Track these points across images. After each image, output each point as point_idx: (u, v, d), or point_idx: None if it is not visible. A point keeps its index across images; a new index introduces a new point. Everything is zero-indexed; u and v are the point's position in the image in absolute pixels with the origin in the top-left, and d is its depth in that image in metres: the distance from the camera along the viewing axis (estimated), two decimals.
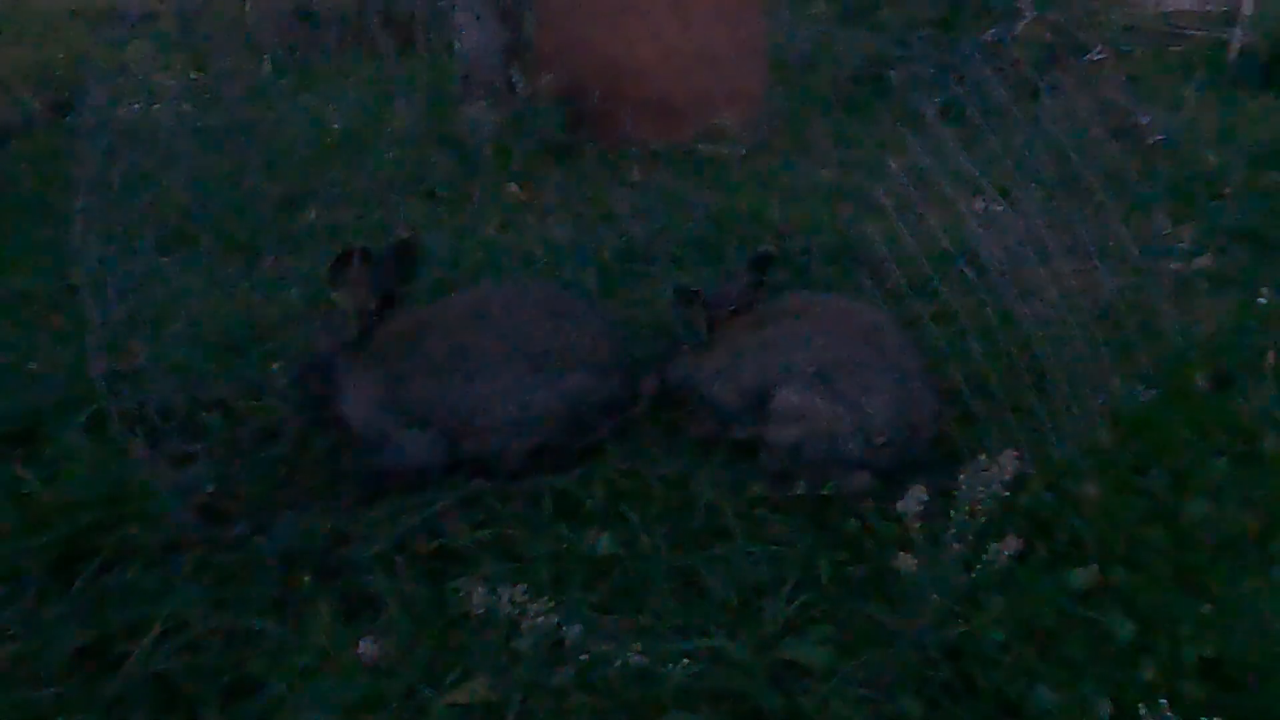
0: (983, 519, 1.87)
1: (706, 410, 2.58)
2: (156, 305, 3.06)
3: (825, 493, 2.35)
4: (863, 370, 2.35)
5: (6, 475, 2.39)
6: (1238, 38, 6.35)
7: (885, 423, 2.32)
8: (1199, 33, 6.79)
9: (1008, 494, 1.86)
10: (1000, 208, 2.52)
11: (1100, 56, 5.16)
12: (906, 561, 1.88)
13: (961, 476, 1.91)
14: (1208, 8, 7.16)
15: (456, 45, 5.42)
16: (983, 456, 1.89)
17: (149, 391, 2.55)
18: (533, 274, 3.59)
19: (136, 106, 4.60)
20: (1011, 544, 1.87)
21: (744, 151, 4.79)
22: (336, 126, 5.15)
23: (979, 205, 2.62)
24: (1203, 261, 3.31)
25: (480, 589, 1.76)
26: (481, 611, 1.76)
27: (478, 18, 5.24)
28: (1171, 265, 3.13)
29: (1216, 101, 5.54)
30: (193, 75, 6.21)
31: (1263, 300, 3.22)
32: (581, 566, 2.18)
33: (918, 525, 1.98)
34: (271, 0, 7.81)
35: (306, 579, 2.11)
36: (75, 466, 2.38)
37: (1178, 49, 6.73)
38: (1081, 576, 2.08)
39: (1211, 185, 4.32)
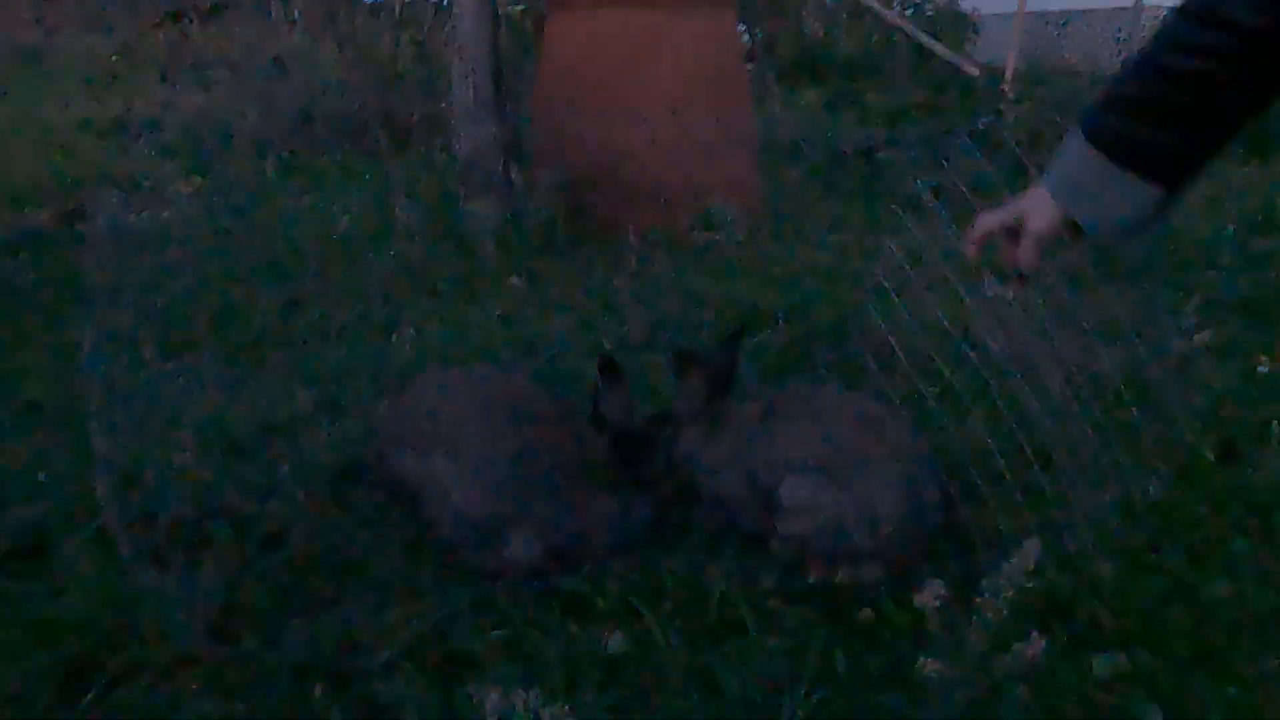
0: (1005, 612, 1.85)
1: (713, 502, 2.57)
2: (163, 413, 3.07)
3: (836, 583, 2.33)
4: (867, 461, 2.36)
5: (15, 592, 2.37)
6: None
7: (891, 513, 2.31)
8: None
9: (1030, 585, 1.84)
10: (1010, 296, 2.54)
11: None
12: (929, 666, 1.85)
13: (983, 581, 1.88)
14: None
15: (455, 144, 5.55)
16: (1006, 560, 1.86)
17: (155, 504, 2.54)
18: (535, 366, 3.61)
19: (145, 214, 4.70)
20: (1036, 644, 1.84)
21: (740, 239, 4.86)
22: (346, 218, 5.23)
23: (989, 289, 2.64)
24: (1204, 336, 3.33)
25: (494, 695, 1.73)
26: (496, 719, 1.73)
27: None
28: (1175, 343, 3.16)
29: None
30: (198, 180, 6.34)
31: (1263, 369, 3.23)
32: (595, 667, 2.14)
33: (936, 620, 1.95)
34: (273, 103, 8.06)
35: (318, 689, 2.08)
36: (83, 582, 2.35)
37: None
38: (1106, 665, 2.05)
39: (1207, 255, 4.37)
